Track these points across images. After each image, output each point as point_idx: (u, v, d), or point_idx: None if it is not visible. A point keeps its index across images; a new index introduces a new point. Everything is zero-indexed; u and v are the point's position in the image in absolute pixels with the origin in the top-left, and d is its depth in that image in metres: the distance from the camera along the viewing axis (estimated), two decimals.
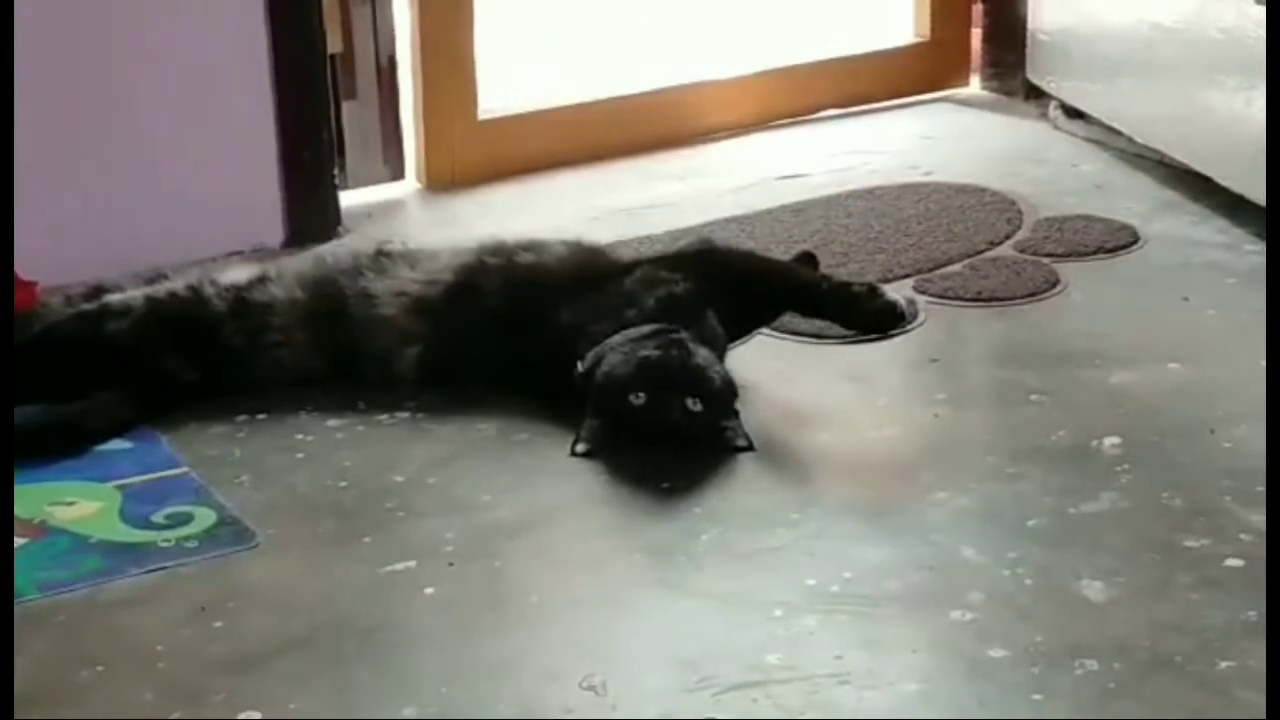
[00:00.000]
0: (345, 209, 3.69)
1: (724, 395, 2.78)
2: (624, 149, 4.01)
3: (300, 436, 2.87)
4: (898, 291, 3.17)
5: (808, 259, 3.24)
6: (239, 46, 3.48)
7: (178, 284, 3.03)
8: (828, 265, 3.30)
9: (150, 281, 3.07)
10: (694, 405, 2.73)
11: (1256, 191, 3.43)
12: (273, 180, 3.56)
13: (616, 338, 2.81)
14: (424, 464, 2.77)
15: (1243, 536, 2.50)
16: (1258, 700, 2.13)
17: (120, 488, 2.72)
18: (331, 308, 2.99)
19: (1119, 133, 3.94)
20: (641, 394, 2.73)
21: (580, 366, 2.79)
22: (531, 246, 3.03)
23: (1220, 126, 3.60)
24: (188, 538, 2.58)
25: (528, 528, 2.60)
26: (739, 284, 3.02)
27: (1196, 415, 2.84)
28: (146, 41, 3.40)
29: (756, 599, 2.40)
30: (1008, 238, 3.54)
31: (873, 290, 3.08)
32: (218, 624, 2.38)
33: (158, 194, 3.45)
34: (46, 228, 3.28)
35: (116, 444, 2.85)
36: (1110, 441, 2.77)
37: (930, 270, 3.40)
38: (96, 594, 2.46)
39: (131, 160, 3.42)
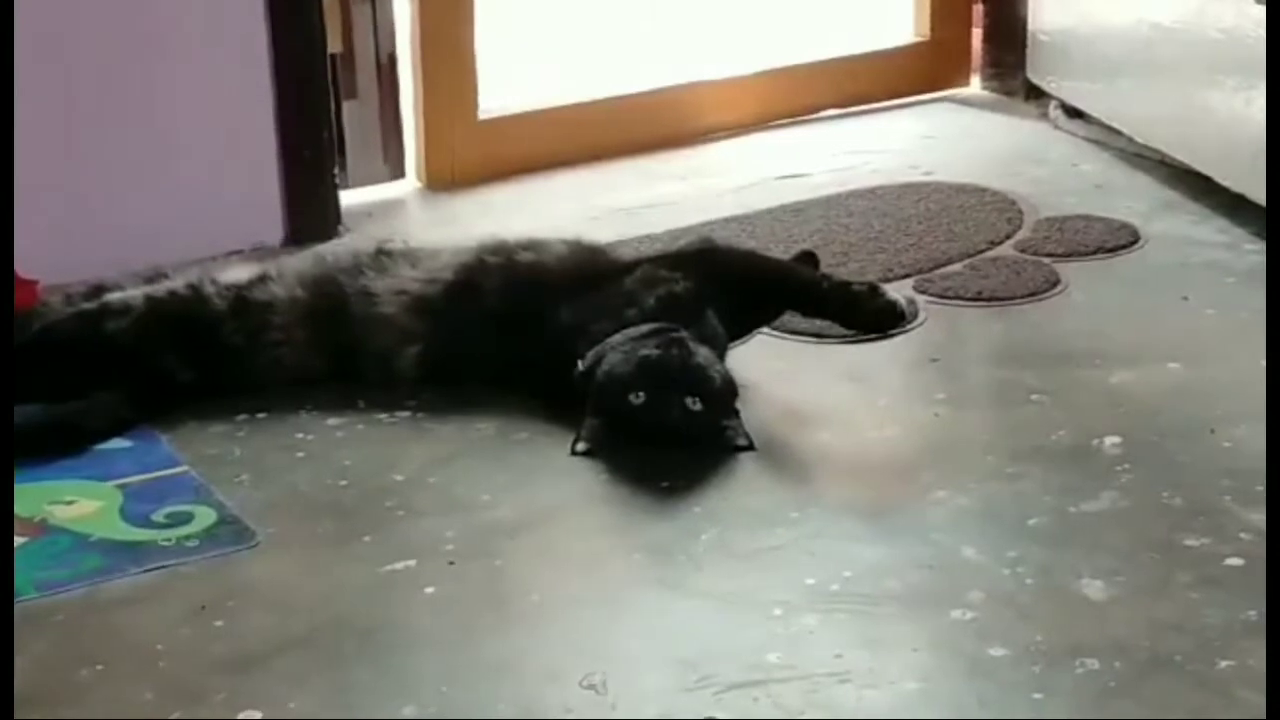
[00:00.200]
0: (345, 208, 3.69)
1: (724, 395, 2.78)
2: (624, 148, 4.01)
3: (300, 435, 2.87)
4: (898, 291, 3.17)
5: (808, 258, 3.24)
6: (239, 45, 3.48)
7: (178, 283, 3.02)
8: (828, 265, 3.30)
9: (150, 280, 3.07)
10: (694, 405, 2.73)
11: (1256, 191, 3.43)
12: (273, 179, 3.56)
13: (617, 337, 2.81)
14: (424, 463, 2.77)
15: (1243, 536, 2.50)
16: (1258, 700, 2.13)
17: (121, 487, 2.72)
18: (332, 306, 2.99)
19: (1119, 132, 3.94)
20: (641, 393, 2.73)
21: (580, 366, 2.79)
22: (532, 245, 3.03)
23: (1220, 126, 3.60)
24: (188, 537, 2.58)
25: (528, 527, 2.60)
26: (739, 283, 3.02)
27: (1196, 415, 2.84)
28: (148, 41, 3.40)
29: (756, 598, 2.40)
30: (1008, 237, 3.55)
31: (873, 290, 3.08)
32: (218, 623, 2.38)
33: (158, 193, 3.45)
34: (47, 227, 3.29)
35: (117, 443, 2.85)
36: (1110, 441, 2.77)
37: (930, 270, 3.41)
38: (96, 593, 2.46)
39: (132, 159, 3.42)
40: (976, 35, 4.41)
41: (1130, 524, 2.55)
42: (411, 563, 2.51)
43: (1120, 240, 3.53)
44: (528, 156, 3.94)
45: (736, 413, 2.80)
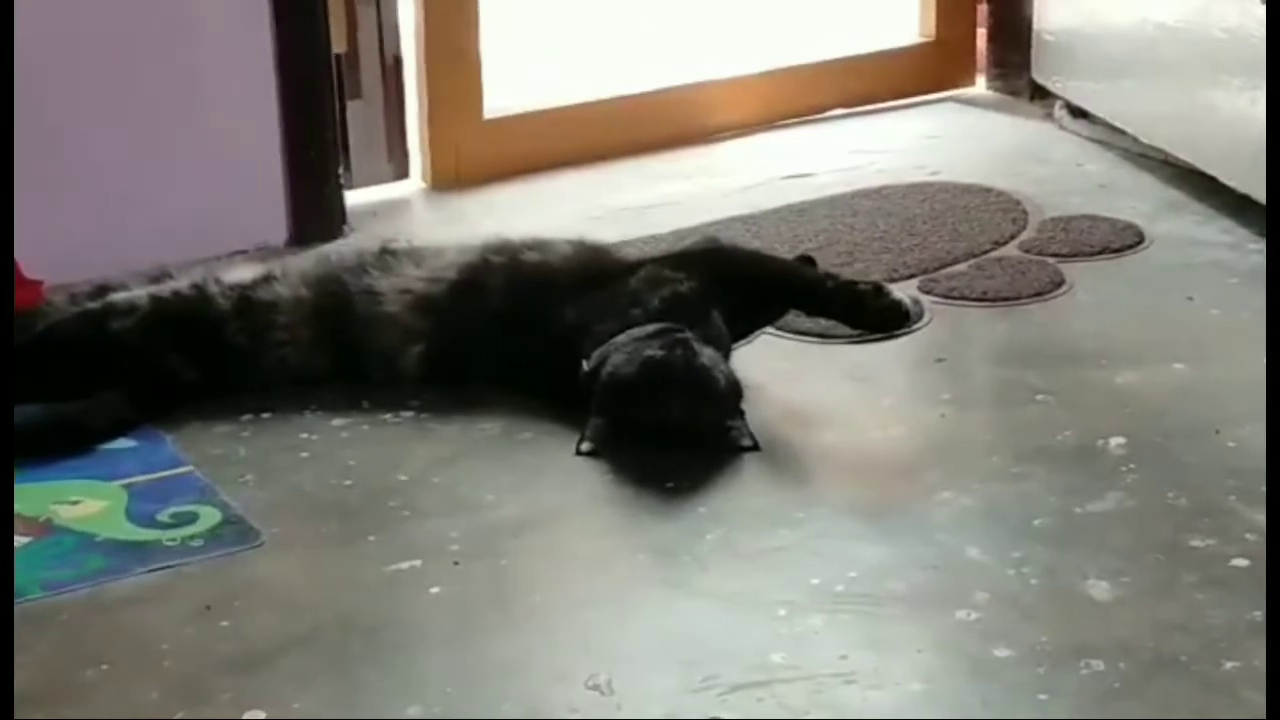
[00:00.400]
0: (350, 208, 3.69)
1: (729, 395, 2.78)
2: (629, 148, 4.01)
3: (305, 435, 2.87)
4: (903, 291, 3.16)
5: (807, 263, 3.23)
6: (244, 45, 3.47)
7: (182, 283, 3.03)
8: (833, 264, 3.30)
9: (155, 280, 3.07)
10: (698, 405, 2.73)
11: (1260, 191, 3.43)
12: (277, 179, 3.56)
13: (621, 337, 2.81)
14: (428, 463, 2.77)
15: (1248, 536, 2.50)
16: (1263, 700, 2.13)
17: (126, 487, 2.72)
18: (336, 305, 2.99)
19: (1124, 132, 3.94)
20: (646, 394, 2.72)
21: (585, 366, 2.79)
22: (536, 245, 3.03)
23: (1224, 126, 3.60)
24: (193, 536, 2.58)
25: (532, 527, 2.60)
26: (744, 283, 3.02)
27: (1201, 415, 2.84)
28: (151, 40, 3.40)
29: (761, 599, 2.40)
30: (1013, 237, 3.54)
31: (878, 289, 3.08)
32: (223, 623, 2.38)
33: (162, 193, 3.45)
34: (51, 227, 3.28)
35: (121, 443, 2.85)
36: (1115, 441, 2.77)
37: (935, 270, 3.40)
38: (101, 593, 2.46)
39: (136, 159, 3.42)
40: (981, 35, 4.41)
41: (1135, 524, 2.55)
42: (416, 563, 2.51)
43: (1125, 240, 3.53)
44: (532, 156, 3.94)
45: (741, 413, 2.80)
